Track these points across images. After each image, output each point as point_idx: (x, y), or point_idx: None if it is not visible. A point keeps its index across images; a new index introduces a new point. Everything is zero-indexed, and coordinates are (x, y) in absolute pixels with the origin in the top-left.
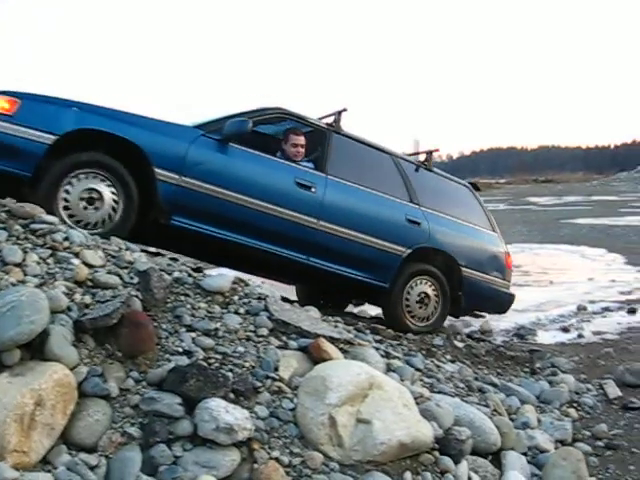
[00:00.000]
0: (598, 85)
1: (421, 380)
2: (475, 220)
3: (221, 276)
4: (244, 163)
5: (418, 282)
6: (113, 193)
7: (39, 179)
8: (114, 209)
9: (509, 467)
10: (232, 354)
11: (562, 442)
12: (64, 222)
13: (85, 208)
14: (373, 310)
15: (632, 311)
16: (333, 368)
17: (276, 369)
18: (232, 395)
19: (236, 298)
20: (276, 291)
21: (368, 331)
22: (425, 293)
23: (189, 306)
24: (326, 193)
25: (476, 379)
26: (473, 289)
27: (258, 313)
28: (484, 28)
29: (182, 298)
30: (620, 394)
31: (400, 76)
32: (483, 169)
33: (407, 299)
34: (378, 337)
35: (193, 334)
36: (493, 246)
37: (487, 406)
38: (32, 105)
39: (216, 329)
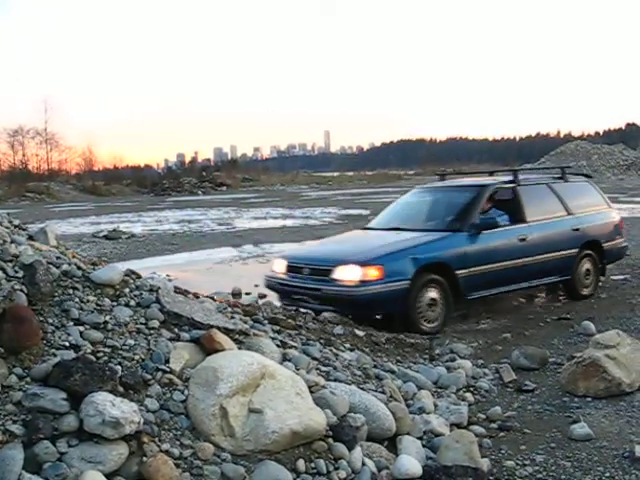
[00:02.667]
0: (505, 79)
1: (317, 369)
2: (599, 204)
3: (111, 268)
4: (493, 241)
5: (584, 263)
6: (439, 295)
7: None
8: (438, 304)
9: (404, 451)
10: (122, 347)
11: (458, 425)
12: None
13: (427, 309)
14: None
15: (532, 296)
16: (225, 359)
17: (167, 361)
18: (121, 388)
19: (127, 290)
20: (169, 282)
21: (266, 321)
22: (588, 268)
23: (77, 299)
24: (530, 237)
25: (375, 367)
26: (610, 254)
27: (149, 305)
28: (400, 19)
29: (70, 291)
30: (515, 377)
31: (311, 67)
32: (393, 160)
33: (580, 274)
34: (277, 327)
35: (81, 328)
36: (613, 219)
37: (383, 393)
38: (389, 266)
39: (105, 322)
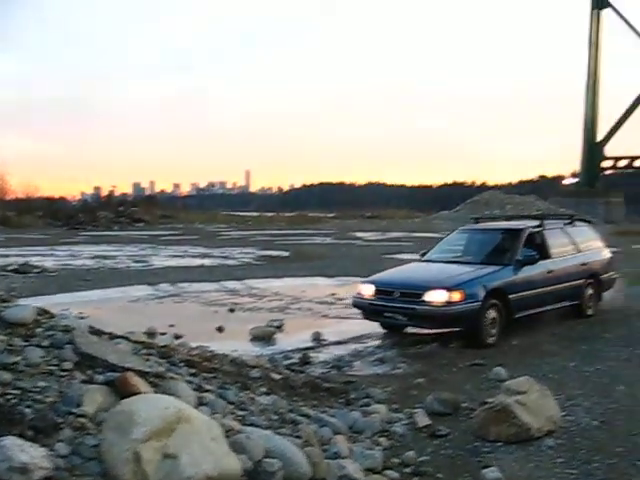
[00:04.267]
0: (421, 127)
1: (233, 413)
2: (596, 242)
3: (24, 308)
4: (531, 272)
5: (589, 290)
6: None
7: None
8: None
9: None
10: (32, 389)
11: (372, 470)
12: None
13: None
14: (194, 342)
15: (446, 343)
16: (140, 402)
17: (79, 404)
18: (30, 432)
19: (40, 330)
20: (81, 321)
21: (182, 364)
22: (591, 294)
23: None
24: (554, 270)
25: (291, 411)
26: (605, 284)
27: (63, 346)
28: (303, 59)
29: None
30: (429, 422)
31: (234, 104)
32: (313, 202)
33: (585, 299)
34: (193, 370)
35: None
36: (607, 256)
37: (299, 437)
38: (467, 291)
39: (15, 363)
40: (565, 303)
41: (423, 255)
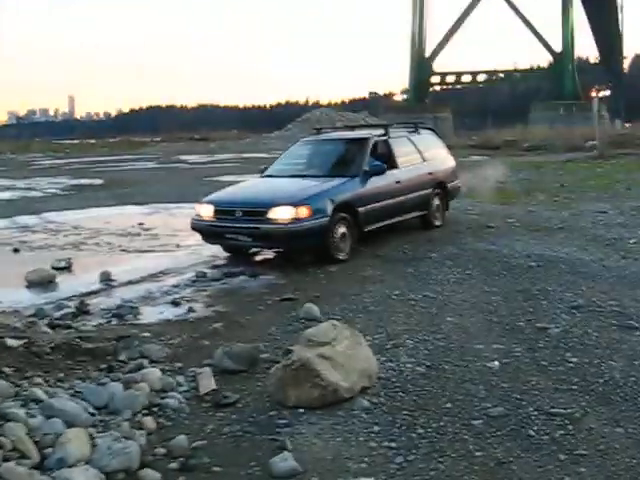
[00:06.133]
0: (253, 47)
1: None
2: (441, 150)
3: None
4: (379, 183)
5: (436, 200)
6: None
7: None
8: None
9: None
10: None
11: (126, 471)
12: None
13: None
14: None
15: (255, 275)
16: None
17: None
18: None
19: None
20: None
21: None
22: (438, 204)
23: None
24: (402, 180)
25: (17, 395)
26: (451, 193)
27: None
28: None
29: None
30: (215, 387)
31: (54, 24)
32: (142, 127)
33: (433, 209)
34: None
35: None
36: (452, 164)
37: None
38: (313, 206)
39: None
40: (414, 214)
41: (264, 171)
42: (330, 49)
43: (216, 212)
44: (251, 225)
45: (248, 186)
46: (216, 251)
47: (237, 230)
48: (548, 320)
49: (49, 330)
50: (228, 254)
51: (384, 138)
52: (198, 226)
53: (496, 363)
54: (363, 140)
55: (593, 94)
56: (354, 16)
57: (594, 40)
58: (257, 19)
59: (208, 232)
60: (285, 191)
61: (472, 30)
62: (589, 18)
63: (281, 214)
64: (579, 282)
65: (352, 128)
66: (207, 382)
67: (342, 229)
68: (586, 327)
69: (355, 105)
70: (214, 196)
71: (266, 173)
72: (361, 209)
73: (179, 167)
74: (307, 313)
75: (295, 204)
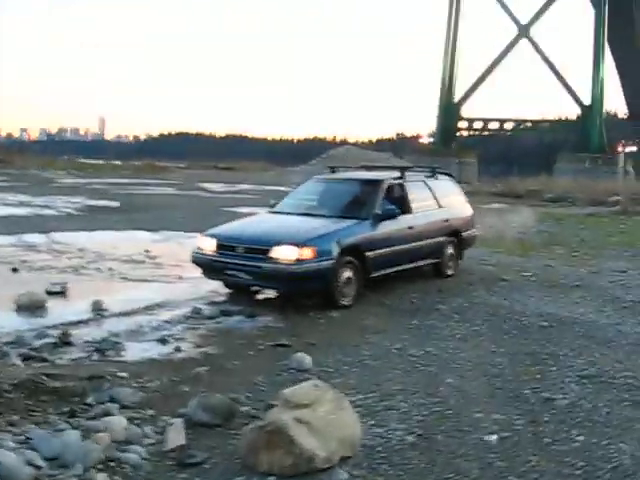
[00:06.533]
0: (286, 82)
1: None
2: (458, 197)
3: None
4: (390, 228)
5: (449, 248)
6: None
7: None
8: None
9: None
10: None
11: None
12: None
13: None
14: None
15: (252, 316)
16: None
17: None
18: None
19: None
20: None
21: None
22: (452, 253)
23: None
24: (414, 226)
25: None
26: (466, 242)
27: None
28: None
29: None
30: (184, 442)
31: (86, 53)
32: (170, 152)
33: (446, 257)
34: None
35: None
36: (469, 213)
37: None
38: (319, 247)
39: None
40: (425, 261)
41: (273, 206)
42: (363, 89)
43: (218, 246)
44: (252, 263)
45: (253, 221)
46: (217, 286)
47: (238, 267)
48: (556, 389)
49: (20, 363)
50: (229, 290)
51: (399, 181)
52: (198, 260)
53: (494, 437)
54: (377, 182)
55: (619, 149)
56: (387, 57)
57: (623, 95)
58: (293, 53)
59: (208, 267)
60: (290, 230)
61: (502, 78)
62: (619, 73)
63: (284, 254)
64: (592, 348)
65: (369, 168)
66: (176, 436)
67: (348, 273)
68: (596, 400)
69: (382, 145)
70: (217, 229)
71: (275, 209)
72: (369, 254)
73: (198, 195)
74: (298, 363)
75: (299, 244)
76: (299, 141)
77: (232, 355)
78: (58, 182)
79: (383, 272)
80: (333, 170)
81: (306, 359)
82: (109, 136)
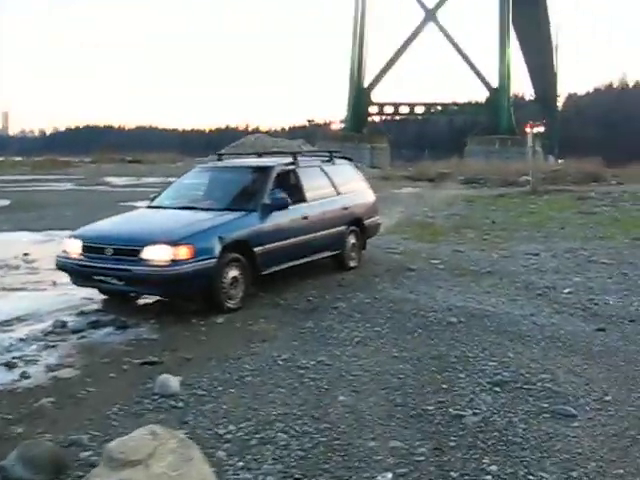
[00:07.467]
0: (197, 72)
1: None
2: (359, 183)
3: None
4: (282, 219)
5: (351, 238)
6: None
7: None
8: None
9: None
10: None
11: None
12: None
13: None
14: None
15: (123, 327)
16: None
17: None
18: None
19: None
20: None
21: None
22: (354, 243)
23: None
24: (310, 216)
25: None
26: (369, 231)
27: None
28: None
29: None
30: None
31: None
32: (77, 146)
33: (348, 249)
34: None
35: None
36: (371, 198)
37: None
38: (197, 245)
39: None
40: (324, 254)
41: (152, 200)
42: (274, 78)
43: (84, 248)
44: (122, 266)
45: (126, 218)
46: (93, 292)
47: (107, 271)
48: (465, 402)
49: None
50: (105, 297)
51: (291, 167)
52: (63, 264)
53: (389, 475)
54: (265, 169)
55: (528, 129)
56: (297, 43)
57: (530, 77)
58: (205, 46)
59: (74, 272)
60: (164, 227)
61: (411, 63)
62: (525, 56)
63: (156, 254)
64: (505, 345)
65: (260, 155)
66: None
67: (234, 272)
68: (511, 414)
69: (295, 133)
70: (83, 229)
71: (153, 203)
72: (258, 249)
73: (98, 190)
74: (163, 387)
75: (173, 243)
76: (211, 131)
77: (88, 379)
78: None
79: (275, 268)
80: (220, 157)
81: (171, 381)
82: (13, 131)
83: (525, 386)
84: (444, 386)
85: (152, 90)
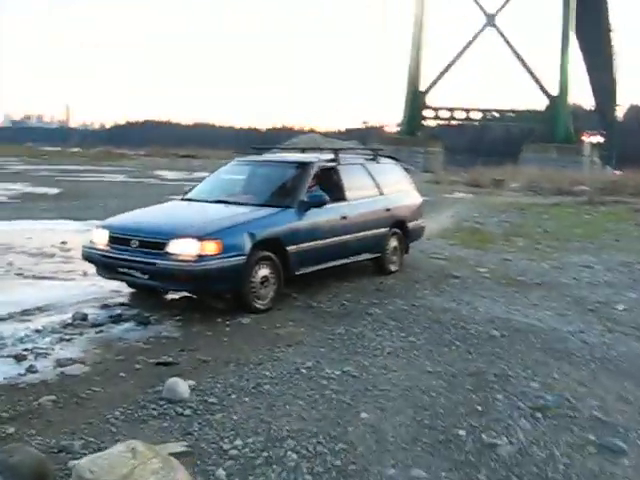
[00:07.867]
0: (256, 72)
1: None
2: (404, 184)
3: None
4: (319, 218)
5: (393, 241)
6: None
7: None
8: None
9: None
10: None
11: None
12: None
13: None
14: None
15: (145, 323)
16: None
17: None
18: None
19: None
20: None
21: None
22: (395, 246)
23: None
24: (350, 216)
25: None
26: (413, 234)
27: None
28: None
29: None
30: None
31: (52, 34)
32: (135, 140)
33: (389, 252)
34: None
35: None
36: (417, 200)
37: None
38: (226, 241)
39: None
40: (363, 256)
41: (187, 193)
42: (333, 80)
43: (111, 239)
44: (146, 259)
45: (155, 210)
46: (123, 285)
47: (131, 264)
48: (500, 428)
49: None
50: (132, 290)
51: (332, 164)
52: (89, 255)
53: None
54: (304, 165)
55: (584, 138)
56: (355, 47)
57: (590, 87)
58: (261, 44)
59: (100, 263)
60: (194, 220)
61: (470, 68)
62: (586, 65)
63: (183, 249)
64: (551, 365)
65: (303, 151)
66: None
67: (264, 271)
68: (552, 445)
69: (351, 135)
70: (111, 220)
71: (188, 196)
72: (291, 248)
73: (149, 182)
74: (170, 392)
75: (200, 237)
76: (267, 130)
77: (96, 378)
78: (6, 169)
79: (309, 269)
80: (260, 151)
81: (180, 386)
82: (75, 123)
83: (570, 413)
84: (479, 408)
85: (205, 88)
